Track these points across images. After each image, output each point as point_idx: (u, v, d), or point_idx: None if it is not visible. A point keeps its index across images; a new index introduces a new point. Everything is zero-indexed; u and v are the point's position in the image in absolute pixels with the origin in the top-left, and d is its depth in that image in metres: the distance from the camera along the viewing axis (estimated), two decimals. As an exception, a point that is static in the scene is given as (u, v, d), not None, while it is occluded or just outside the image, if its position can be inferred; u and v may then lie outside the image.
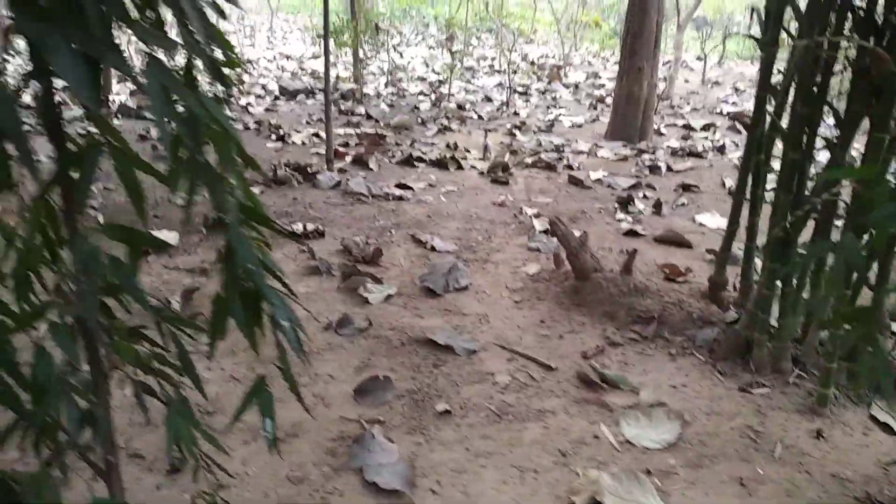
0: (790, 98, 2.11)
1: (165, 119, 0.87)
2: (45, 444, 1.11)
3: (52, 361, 1.01)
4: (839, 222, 2.11)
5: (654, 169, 4.73)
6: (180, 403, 1.20)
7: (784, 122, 2.18)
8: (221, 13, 1.01)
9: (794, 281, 2.10)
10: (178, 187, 0.97)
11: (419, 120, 6.05)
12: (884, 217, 0.98)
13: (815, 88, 1.97)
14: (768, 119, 2.26)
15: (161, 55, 0.88)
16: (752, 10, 2.34)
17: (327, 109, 4.14)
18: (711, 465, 1.74)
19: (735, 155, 5.40)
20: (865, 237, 1.74)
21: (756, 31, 2.35)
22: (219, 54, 0.93)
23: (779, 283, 2.12)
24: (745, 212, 2.47)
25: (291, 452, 1.70)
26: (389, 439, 1.75)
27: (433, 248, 3.09)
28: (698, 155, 5.30)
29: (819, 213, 2.10)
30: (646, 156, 5.14)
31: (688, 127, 6.41)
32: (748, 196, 2.43)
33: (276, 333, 1.03)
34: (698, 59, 12.08)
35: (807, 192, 2.12)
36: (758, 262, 2.52)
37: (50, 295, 1.03)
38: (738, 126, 6.63)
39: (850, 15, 1.89)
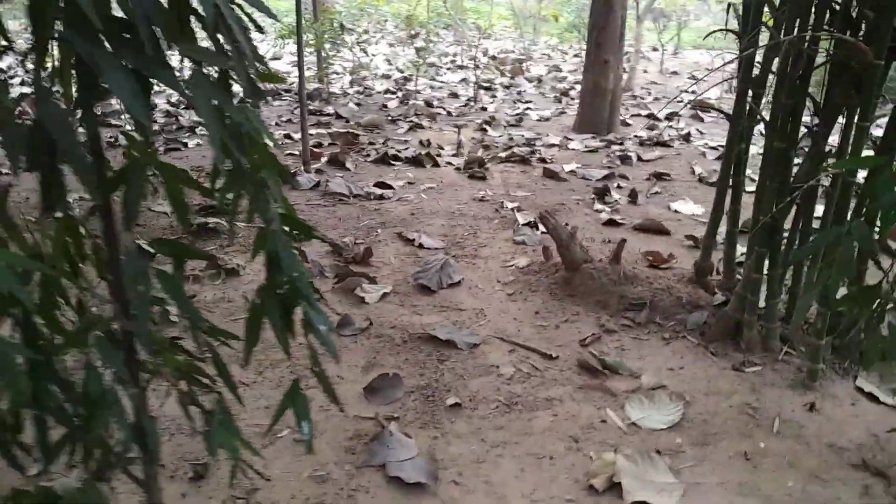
0: (770, 90, 2.21)
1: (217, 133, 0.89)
2: (93, 459, 1.13)
3: (100, 376, 1.03)
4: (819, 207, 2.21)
5: (624, 159, 4.83)
6: (222, 412, 1.23)
7: (765, 113, 2.27)
8: (259, 28, 1.04)
9: (793, 264, 2.19)
10: (222, 199, 1.00)
11: (389, 118, 6.06)
12: (890, 203, 1.06)
13: (797, 81, 2.05)
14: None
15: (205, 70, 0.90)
16: (730, 5, 2.42)
17: (302, 110, 4.14)
18: (716, 441, 1.82)
19: (700, 143, 5.54)
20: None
21: (726, 24, 2.44)
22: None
23: (766, 265, 2.21)
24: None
25: (311, 454, 1.73)
26: (406, 435, 1.79)
27: (421, 246, 3.13)
28: (665, 144, 5.43)
29: (801, 199, 2.20)
30: (615, 147, 5.25)
31: (652, 117, 6.55)
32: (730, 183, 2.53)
33: (307, 337, 1.06)
34: (654, 49, 12.30)
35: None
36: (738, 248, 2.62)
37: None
38: (701, 114, 6.79)
39: (827, 10, 1.98)
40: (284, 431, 1.79)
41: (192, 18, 0.90)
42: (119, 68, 0.83)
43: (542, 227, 3.32)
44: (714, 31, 2.45)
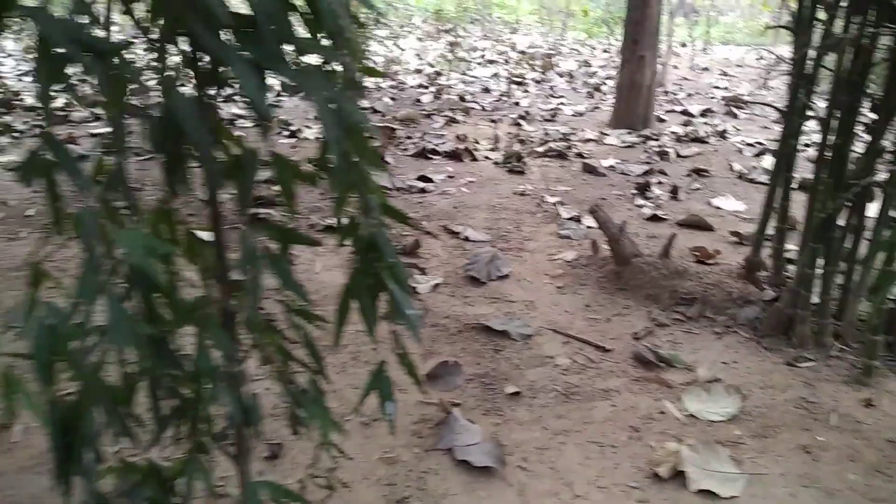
0: (827, 87, 2.22)
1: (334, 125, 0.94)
2: (198, 433, 1.18)
3: (210, 354, 1.08)
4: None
5: (663, 155, 4.83)
6: (315, 391, 1.28)
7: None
8: (360, 24, 1.09)
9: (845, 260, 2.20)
10: (334, 187, 1.04)
11: (423, 112, 6.10)
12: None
13: (855, 77, 2.07)
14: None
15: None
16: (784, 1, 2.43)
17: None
18: (774, 434, 1.85)
19: (736, 139, 5.52)
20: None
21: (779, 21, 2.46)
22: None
23: (821, 261, 2.23)
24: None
25: (379, 436, 1.78)
26: (470, 420, 1.84)
27: (467, 239, 3.17)
28: (702, 140, 5.42)
29: (854, 196, 2.21)
30: (652, 142, 5.25)
31: (686, 113, 6.53)
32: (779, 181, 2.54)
33: (393, 321, 1.10)
34: (682, 45, 12.24)
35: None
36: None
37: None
38: (735, 110, 6.76)
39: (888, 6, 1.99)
40: (351, 414, 1.84)
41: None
42: (245, 62, 0.88)
43: (586, 222, 3.35)
44: (771, 27, 2.46)
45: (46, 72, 0.84)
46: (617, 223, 2.65)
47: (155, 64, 0.92)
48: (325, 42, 0.93)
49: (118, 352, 0.90)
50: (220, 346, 1.08)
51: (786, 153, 2.49)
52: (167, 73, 0.91)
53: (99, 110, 5.96)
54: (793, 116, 2.42)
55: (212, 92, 0.95)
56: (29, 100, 6.24)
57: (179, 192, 1.01)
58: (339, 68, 0.98)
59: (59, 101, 6.17)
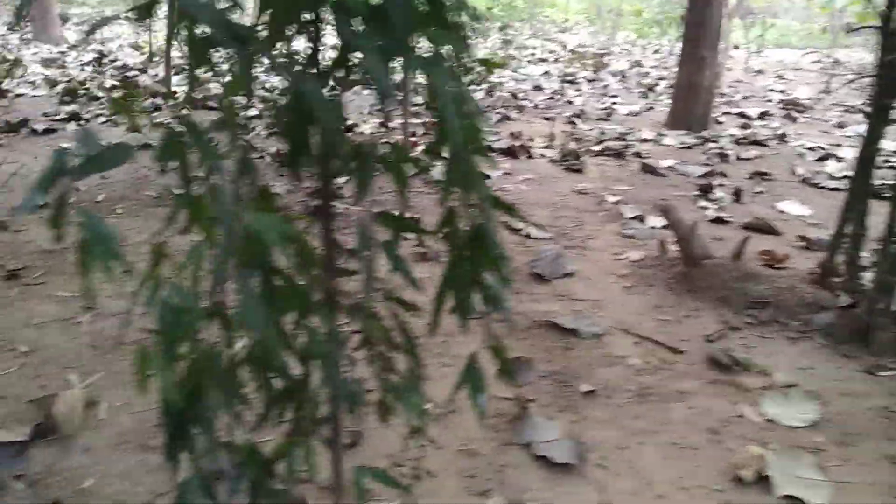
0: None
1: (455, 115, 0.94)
2: (303, 416, 1.20)
3: (321, 337, 1.09)
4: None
5: (722, 157, 4.76)
6: (414, 377, 1.29)
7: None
8: (476, 17, 1.09)
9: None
10: (449, 179, 1.05)
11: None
12: None
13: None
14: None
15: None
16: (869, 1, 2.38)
17: (406, 97, 4.21)
18: (858, 442, 1.81)
19: (796, 143, 5.41)
20: None
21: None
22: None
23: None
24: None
25: (456, 428, 1.79)
26: (547, 417, 1.83)
27: (528, 236, 3.16)
28: (761, 143, 5.32)
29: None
30: (710, 144, 5.17)
31: (744, 115, 6.41)
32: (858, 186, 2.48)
33: (487, 313, 1.11)
34: (735, 47, 12.03)
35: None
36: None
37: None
38: (794, 114, 6.62)
39: None
40: (428, 405, 1.85)
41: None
42: (375, 49, 0.89)
43: (650, 222, 3.31)
44: (858, 28, 2.40)
45: (193, 56, 0.86)
46: (688, 224, 2.62)
47: (282, 50, 0.94)
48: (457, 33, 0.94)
49: (248, 334, 0.92)
50: (328, 330, 1.10)
51: (866, 157, 2.43)
52: (298, 59, 0.93)
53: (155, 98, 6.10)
54: (876, 120, 2.36)
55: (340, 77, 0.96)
56: (93, 89, 6.40)
57: (299, 171, 1.04)
58: (456, 58, 0.98)
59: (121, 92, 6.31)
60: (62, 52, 9.31)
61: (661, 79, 8.52)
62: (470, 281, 1.16)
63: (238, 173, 0.96)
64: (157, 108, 5.98)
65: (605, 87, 7.98)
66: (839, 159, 4.82)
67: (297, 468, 1.20)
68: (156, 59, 8.28)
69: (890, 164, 4.43)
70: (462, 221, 1.12)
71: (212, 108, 5.79)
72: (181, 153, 0.92)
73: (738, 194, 3.89)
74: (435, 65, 0.95)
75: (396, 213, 1.12)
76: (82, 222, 0.78)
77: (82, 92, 6.13)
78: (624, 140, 5.19)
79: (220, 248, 0.88)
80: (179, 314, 0.94)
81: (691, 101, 5.59)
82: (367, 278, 1.07)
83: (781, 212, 3.74)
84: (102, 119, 5.38)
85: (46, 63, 8.13)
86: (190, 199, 0.93)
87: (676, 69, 5.79)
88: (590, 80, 8.34)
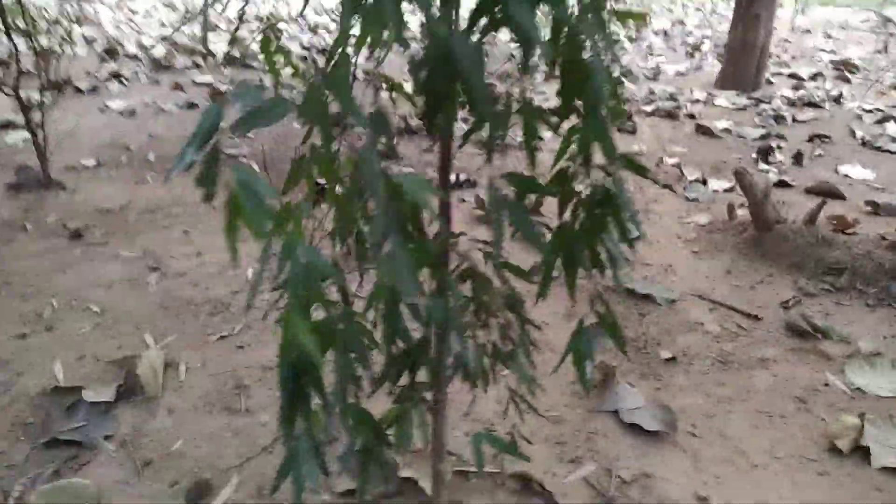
0: None
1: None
2: (418, 383, 1.18)
3: (444, 303, 1.06)
4: None
5: (778, 119, 4.62)
6: (525, 345, 1.26)
7: None
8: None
9: None
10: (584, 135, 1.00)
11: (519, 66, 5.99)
12: None
13: None
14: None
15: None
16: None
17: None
18: (952, 414, 1.76)
19: (852, 105, 5.23)
20: None
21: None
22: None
23: None
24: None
25: (540, 395, 1.76)
26: (630, 384, 1.80)
27: (588, 198, 3.09)
28: (816, 105, 5.15)
29: None
30: (764, 105, 5.02)
31: (795, 76, 6.22)
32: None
33: (602, 275, 1.07)
34: (780, 5, 11.65)
35: None
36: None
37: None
38: (846, 74, 6.41)
39: None
40: (505, 371, 1.83)
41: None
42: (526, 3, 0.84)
43: (712, 185, 3.23)
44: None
45: (348, 3, 0.82)
46: (762, 187, 2.54)
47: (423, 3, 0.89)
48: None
49: (402, 298, 0.89)
50: (449, 294, 1.07)
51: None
52: (444, 12, 0.88)
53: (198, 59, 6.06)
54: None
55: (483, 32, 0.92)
56: (131, 48, 6.37)
57: (439, 136, 1.00)
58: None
59: (160, 50, 6.28)
60: (95, 11, 9.27)
61: (705, 37, 8.28)
62: (585, 243, 1.13)
63: (374, 132, 0.92)
64: (197, 66, 5.94)
65: (649, 46, 7.77)
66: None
67: (410, 434, 1.18)
68: (188, 16, 8.21)
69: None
70: (581, 182, 1.08)
71: (250, 67, 5.74)
72: (324, 109, 0.88)
73: (798, 157, 3.78)
74: (586, 17, 0.91)
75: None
76: (234, 178, 0.74)
77: (121, 52, 6.10)
78: (675, 101, 5.06)
79: (377, 208, 0.85)
80: (312, 273, 0.92)
81: (744, 61, 5.42)
82: (498, 238, 1.03)
83: (845, 176, 3.63)
84: (144, 79, 5.36)
85: (81, 21, 8.10)
86: (330, 155, 0.90)
87: (723, 28, 5.61)
88: (632, 39, 8.14)
